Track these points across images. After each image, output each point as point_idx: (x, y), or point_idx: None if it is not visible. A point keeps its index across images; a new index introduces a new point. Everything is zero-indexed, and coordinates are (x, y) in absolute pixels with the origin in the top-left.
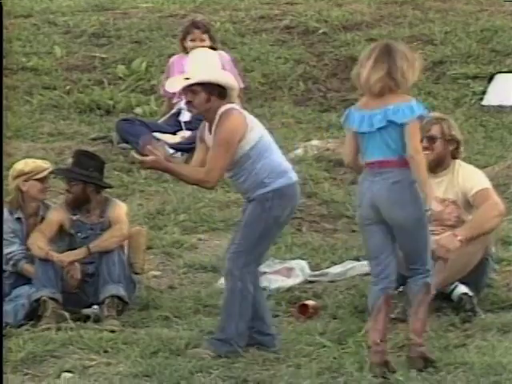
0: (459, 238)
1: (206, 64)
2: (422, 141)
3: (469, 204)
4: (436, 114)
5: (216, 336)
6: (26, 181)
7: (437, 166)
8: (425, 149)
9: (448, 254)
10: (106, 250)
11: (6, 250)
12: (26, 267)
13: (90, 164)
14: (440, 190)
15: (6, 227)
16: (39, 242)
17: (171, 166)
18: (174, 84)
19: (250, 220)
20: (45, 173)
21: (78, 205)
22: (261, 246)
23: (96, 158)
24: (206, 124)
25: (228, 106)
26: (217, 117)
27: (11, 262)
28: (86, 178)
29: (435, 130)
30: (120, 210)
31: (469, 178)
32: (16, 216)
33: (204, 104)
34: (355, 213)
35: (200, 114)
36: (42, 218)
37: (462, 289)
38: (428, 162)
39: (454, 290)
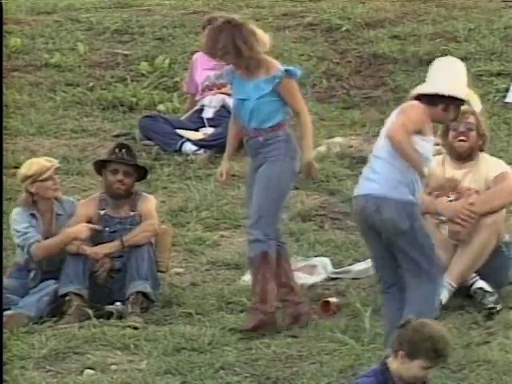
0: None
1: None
2: (456, 129)
3: None
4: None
5: None
6: (32, 183)
7: (468, 156)
8: (462, 134)
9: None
10: (138, 244)
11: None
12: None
13: (135, 158)
14: (466, 180)
15: (21, 220)
16: None
17: None
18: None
19: None
20: (48, 173)
21: (122, 197)
22: None
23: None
24: None
25: None
26: None
27: (23, 238)
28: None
29: (472, 120)
30: (150, 204)
31: (491, 166)
32: (29, 212)
33: None
34: None
35: None
36: (57, 215)
37: (480, 283)
38: (463, 151)
39: (473, 284)
